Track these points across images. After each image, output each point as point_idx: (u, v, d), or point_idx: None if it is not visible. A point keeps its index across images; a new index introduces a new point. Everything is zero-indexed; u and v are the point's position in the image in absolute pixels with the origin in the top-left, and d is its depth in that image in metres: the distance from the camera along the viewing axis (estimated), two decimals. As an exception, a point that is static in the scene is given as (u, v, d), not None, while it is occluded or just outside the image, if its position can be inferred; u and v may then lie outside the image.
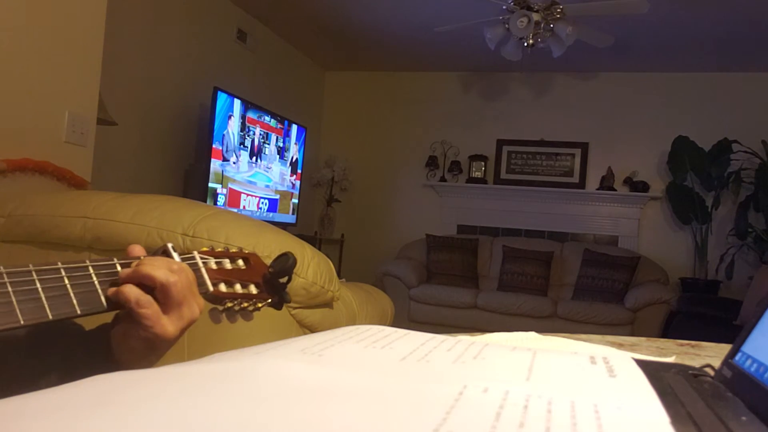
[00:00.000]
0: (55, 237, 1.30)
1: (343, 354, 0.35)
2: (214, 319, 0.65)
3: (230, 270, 0.68)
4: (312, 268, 1.24)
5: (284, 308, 1.24)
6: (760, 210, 4.55)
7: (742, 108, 4.83)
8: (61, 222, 1.28)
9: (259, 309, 0.69)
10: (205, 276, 0.64)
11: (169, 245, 0.62)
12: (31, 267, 0.48)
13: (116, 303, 0.54)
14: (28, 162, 1.95)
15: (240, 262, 0.70)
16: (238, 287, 0.67)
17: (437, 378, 0.31)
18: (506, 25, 3.56)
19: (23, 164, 1.93)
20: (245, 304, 0.67)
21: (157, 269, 0.56)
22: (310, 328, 1.29)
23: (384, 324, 0.63)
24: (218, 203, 3.83)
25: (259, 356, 0.33)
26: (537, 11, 3.46)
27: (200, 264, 0.64)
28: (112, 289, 0.54)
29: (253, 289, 0.68)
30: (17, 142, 1.95)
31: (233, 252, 0.70)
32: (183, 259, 0.62)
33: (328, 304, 1.34)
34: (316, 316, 1.29)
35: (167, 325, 0.57)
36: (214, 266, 0.66)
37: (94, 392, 0.25)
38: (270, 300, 0.70)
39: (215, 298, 0.64)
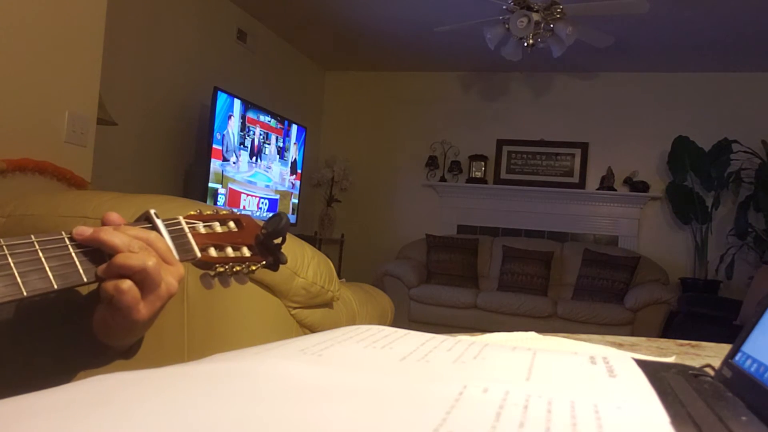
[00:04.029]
0: (55, 237, 1.29)
1: (343, 354, 0.35)
2: (206, 284, 0.63)
3: (220, 233, 0.65)
4: (312, 268, 1.24)
5: (284, 308, 1.24)
6: (760, 210, 4.55)
7: (742, 108, 4.83)
8: (61, 222, 1.28)
9: (253, 272, 0.66)
10: (192, 242, 0.61)
11: (152, 211, 0.59)
12: (2, 242, 0.45)
13: (98, 276, 0.51)
14: (28, 162, 1.94)
15: (231, 224, 0.67)
16: (229, 251, 0.64)
17: (437, 378, 0.31)
18: (506, 25, 3.56)
19: (23, 164, 1.93)
20: (238, 268, 0.64)
21: (134, 258, 0.52)
22: (310, 328, 1.29)
23: (384, 324, 0.63)
24: (218, 203, 3.83)
25: (258, 356, 0.33)
26: (537, 11, 3.46)
27: (186, 230, 0.61)
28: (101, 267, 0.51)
29: (246, 252, 0.65)
30: (17, 142, 1.95)
31: (223, 214, 0.67)
32: (167, 225, 0.59)
33: (328, 304, 1.34)
34: (316, 316, 1.29)
35: (142, 309, 0.54)
36: (202, 230, 0.63)
37: (94, 392, 0.25)
38: (264, 262, 0.67)
39: (204, 264, 0.62)
